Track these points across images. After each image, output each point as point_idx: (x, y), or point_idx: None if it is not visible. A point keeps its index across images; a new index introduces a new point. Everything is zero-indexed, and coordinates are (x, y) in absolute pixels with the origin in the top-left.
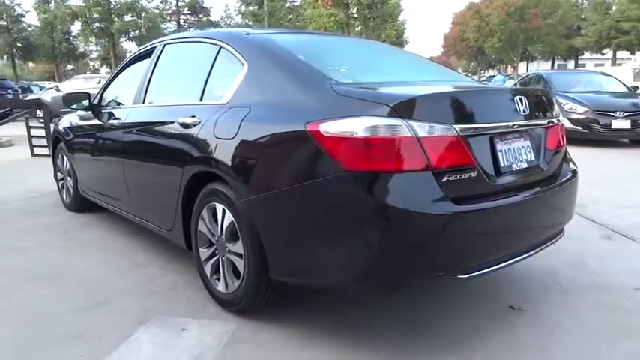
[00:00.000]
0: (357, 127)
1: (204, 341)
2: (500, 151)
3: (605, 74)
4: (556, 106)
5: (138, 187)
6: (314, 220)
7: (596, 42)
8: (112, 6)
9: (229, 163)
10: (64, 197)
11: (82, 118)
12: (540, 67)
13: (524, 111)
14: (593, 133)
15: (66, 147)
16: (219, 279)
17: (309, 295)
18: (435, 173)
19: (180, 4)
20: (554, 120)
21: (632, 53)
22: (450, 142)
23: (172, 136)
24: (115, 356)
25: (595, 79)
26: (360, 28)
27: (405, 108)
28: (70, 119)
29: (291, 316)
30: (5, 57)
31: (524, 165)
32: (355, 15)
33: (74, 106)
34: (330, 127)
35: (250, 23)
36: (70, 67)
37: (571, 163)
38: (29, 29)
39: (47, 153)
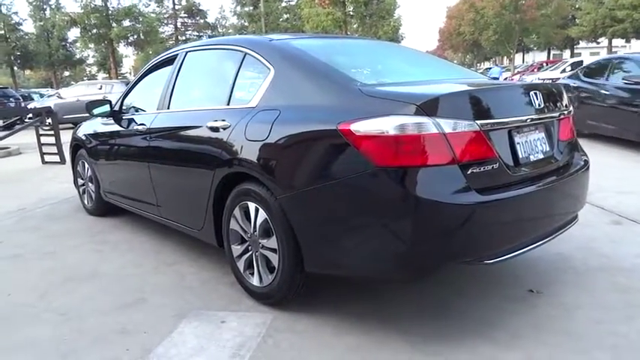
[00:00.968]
0: (387, 125)
1: (244, 332)
2: (518, 143)
3: None
4: (566, 99)
5: (165, 189)
6: (348, 214)
7: (591, 31)
8: (110, 12)
9: (262, 164)
10: (86, 202)
11: (104, 125)
12: (536, 58)
13: (538, 105)
14: None
15: (87, 153)
16: (252, 274)
17: (335, 285)
18: (460, 166)
19: (177, 7)
20: (565, 112)
21: (628, 41)
22: (473, 136)
23: (201, 140)
24: (162, 349)
25: None
26: (356, 25)
27: (430, 106)
28: (92, 126)
29: (321, 307)
30: (4, 65)
31: (541, 155)
32: (352, 13)
33: (96, 113)
34: (360, 127)
35: (246, 24)
36: (66, 73)
37: (582, 153)
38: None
39: (58, 160)
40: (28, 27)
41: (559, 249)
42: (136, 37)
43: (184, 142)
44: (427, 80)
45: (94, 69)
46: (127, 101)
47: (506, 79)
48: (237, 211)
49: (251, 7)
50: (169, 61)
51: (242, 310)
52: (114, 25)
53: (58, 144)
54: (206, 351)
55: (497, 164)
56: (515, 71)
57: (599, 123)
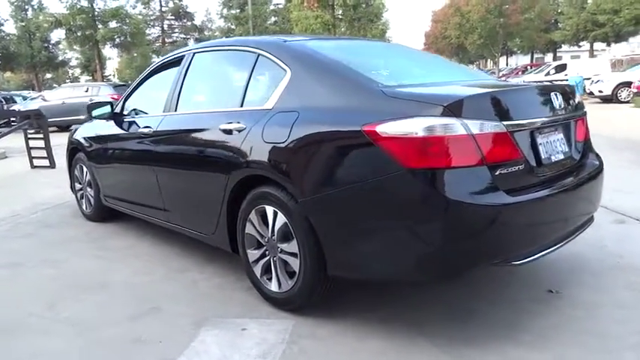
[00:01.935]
0: (415, 127)
1: (267, 339)
2: (540, 144)
3: None
4: (581, 100)
5: (174, 193)
6: (376, 216)
7: (574, 35)
8: (96, 13)
9: (282, 166)
10: (84, 207)
11: (106, 127)
12: (519, 61)
13: (558, 106)
14: None
15: (87, 157)
16: (270, 279)
17: (353, 289)
18: (489, 167)
19: (164, 9)
20: (581, 113)
21: (608, 45)
22: (500, 137)
23: (214, 143)
24: (184, 359)
25: None
26: (344, 29)
27: (457, 107)
28: (92, 129)
29: (341, 311)
30: None
31: (561, 156)
32: (341, 16)
33: (96, 115)
34: (387, 128)
35: (233, 27)
36: (48, 75)
37: (595, 153)
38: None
39: (47, 164)
40: (9, 27)
41: (571, 248)
42: (122, 38)
43: (195, 144)
44: (445, 82)
45: (77, 71)
46: (128, 103)
47: None
48: (253, 215)
49: (238, 10)
50: (175, 63)
51: (261, 316)
52: (100, 26)
53: (48, 148)
54: None
55: (523, 165)
56: (500, 74)
57: None
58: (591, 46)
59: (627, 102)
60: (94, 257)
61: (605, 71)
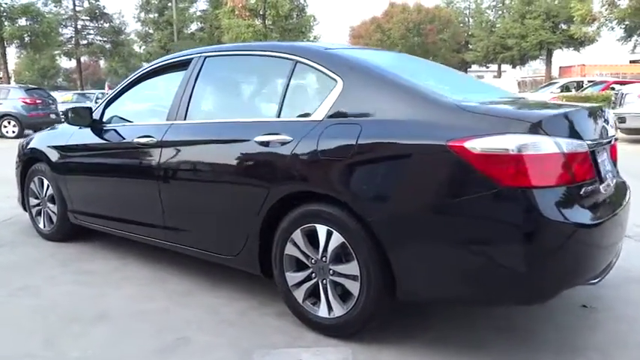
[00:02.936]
0: (509, 143)
1: None
2: (600, 163)
3: None
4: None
5: (182, 210)
6: (465, 236)
7: (484, 56)
8: (2, 9)
9: (345, 182)
10: (42, 226)
11: (80, 136)
12: None
13: (609, 126)
14: None
15: (51, 168)
16: (315, 304)
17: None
18: (577, 186)
19: (78, 9)
20: (614, 133)
21: (514, 67)
22: (585, 156)
23: (248, 155)
24: None
25: None
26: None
27: (546, 125)
28: (59, 137)
29: (392, 335)
30: None
31: (610, 175)
32: (272, 27)
33: (72, 123)
34: (477, 144)
35: (151, 31)
36: None
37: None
38: None
39: None
40: None
41: None
42: (33, 38)
43: (220, 157)
44: (498, 97)
45: None
46: (110, 110)
47: None
48: (297, 235)
49: (156, 15)
50: (176, 68)
51: (310, 345)
52: (6, 23)
53: None
54: None
55: (596, 184)
56: None
57: None
58: (499, 67)
59: None
60: (74, 283)
61: (514, 91)
